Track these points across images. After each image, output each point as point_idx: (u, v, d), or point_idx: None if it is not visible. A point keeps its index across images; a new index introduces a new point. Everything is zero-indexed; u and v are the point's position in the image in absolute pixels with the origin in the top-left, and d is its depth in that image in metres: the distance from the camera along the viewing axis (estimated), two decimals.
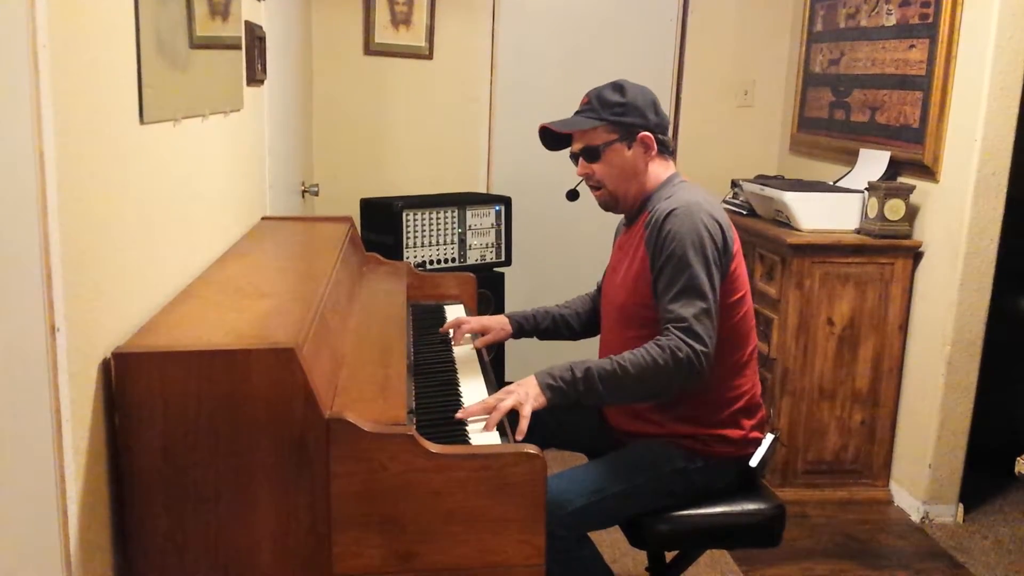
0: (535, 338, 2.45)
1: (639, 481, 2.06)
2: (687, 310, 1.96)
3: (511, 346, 3.71)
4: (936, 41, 3.23)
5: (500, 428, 1.84)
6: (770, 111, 4.50)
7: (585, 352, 2.23)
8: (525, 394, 1.91)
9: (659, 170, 2.18)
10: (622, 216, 2.32)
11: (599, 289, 2.46)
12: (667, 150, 2.20)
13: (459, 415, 1.86)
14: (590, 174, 2.17)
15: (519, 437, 1.82)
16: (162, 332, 1.56)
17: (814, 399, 3.46)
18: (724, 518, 2.13)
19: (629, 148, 2.13)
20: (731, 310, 2.09)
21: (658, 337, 1.98)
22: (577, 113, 2.17)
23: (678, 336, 1.95)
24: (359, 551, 1.55)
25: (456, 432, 1.79)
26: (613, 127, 2.12)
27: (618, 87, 2.14)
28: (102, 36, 1.46)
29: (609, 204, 2.22)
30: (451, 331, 2.40)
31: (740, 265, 2.12)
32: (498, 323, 2.39)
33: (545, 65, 4.30)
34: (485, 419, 1.85)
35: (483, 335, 2.37)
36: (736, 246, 2.11)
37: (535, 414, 2.28)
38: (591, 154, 2.15)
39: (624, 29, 4.34)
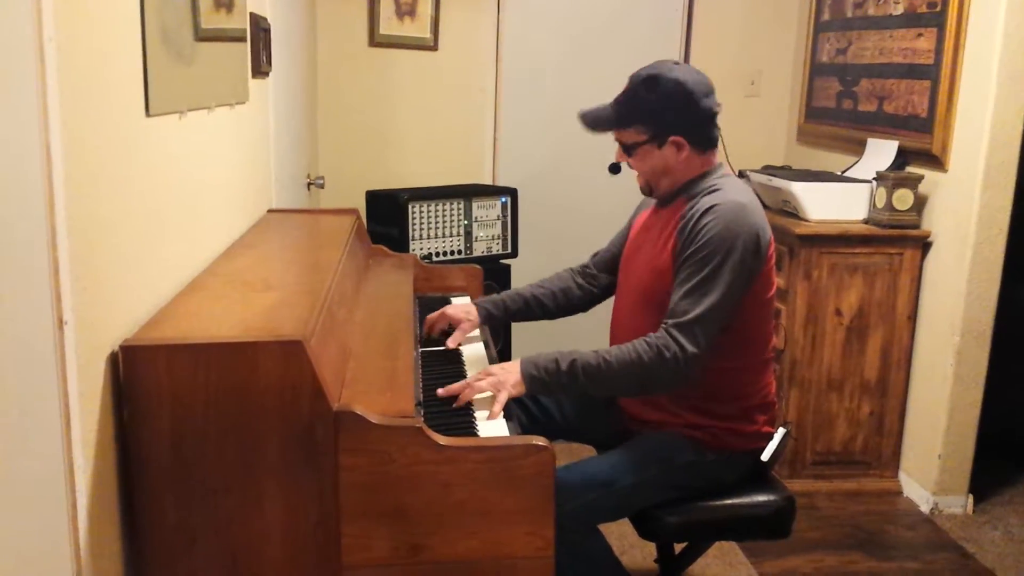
0: (508, 322, 2.39)
1: (650, 474, 2.06)
2: (693, 309, 1.94)
3: (518, 334, 3.72)
4: (944, 30, 3.21)
5: (507, 417, 1.85)
6: (777, 101, 4.48)
7: (596, 330, 2.21)
8: (503, 381, 1.92)
9: (696, 164, 2.10)
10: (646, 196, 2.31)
11: (595, 263, 2.44)
12: (708, 146, 2.10)
13: (440, 392, 1.90)
14: (627, 163, 2.15)
15: (490, 419, 1.84)
16: (169, 325, 1.56)
17: (822, 390, 3.45)
18: (733, 510, 2.12)
19: (660, 148, 2.07)
20: (761, 308, 2.08)
21: (651, 333, 1.97)
22: (615, 100, 2.10)
23: (671, 335, 1.94)
24: (367, 543, 1.55)
25: (464, 424, 1.79)
26: (641, 128, 2.07)
27: (651, 84, 2.04)
28: (108, 29, 1.46)
29: (645, 191, 2.20)
30: (439, 335, 2.33)
31: (773, 267, 2.09)
32: (463, 312, 2.32)
33: (550, 56, 4.29)
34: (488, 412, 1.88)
35: (451, 327, 2.30)
36: (772, 250, 2.06)
37: (544, 405, 2.29)
38: (625, 148, 2.12)
39: (630, 19, 4.32)
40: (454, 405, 1.88)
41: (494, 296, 2.39)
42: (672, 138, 2.06)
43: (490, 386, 1.91)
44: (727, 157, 2.20)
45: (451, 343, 2.26)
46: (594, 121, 2.12)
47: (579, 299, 2.42)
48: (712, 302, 1.93)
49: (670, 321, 1.96)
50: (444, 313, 2.33)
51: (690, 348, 1.92)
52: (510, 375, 1.94)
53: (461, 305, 2.37)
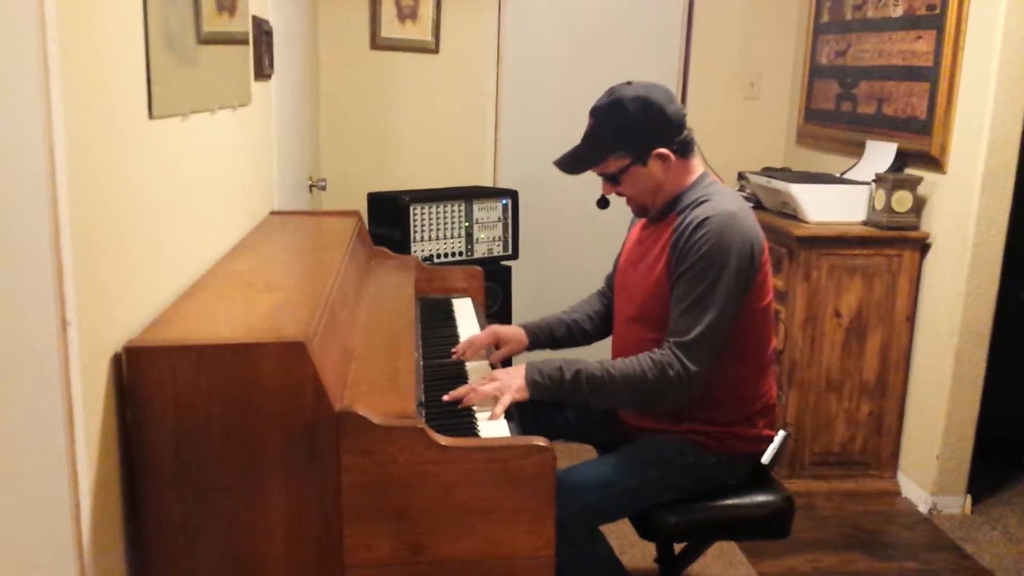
0: (550, 348, 2.38)
1: (651, 476, 2.07)
2: (694, 327, 1.94)
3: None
4: (943, 32, 3.22)
5: (508, 418, 1.86)
6: (777, 103, 4.49)
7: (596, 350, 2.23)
8: (507, 385, 1.94)
9: (683, 174, 2.09)
10: None
11: (608, 284, 2.45)
12: (687, 151, 2.10)
13: (445, 398, 1.90)
14: (617, 193, 2.14)
15: (491, 420, 1.86)
16: (173, 326, 1.57)
17: (821, 391, 3.46)
18: (733, 510, 2.13)
19: (645, 166, 2.06)
20: (759, 315, 2.08)
21: (655, 349, 1.98)
22: (584, 138, 2.10)
23: (674, 353, 1.95)
24: (369, 543, 1.56)
25: (465, 424, 1.80)
26: (621, 153, 2.06)
27: (618, 106, 2.03)
28: (111, 31, 1.47)
29: (640, 213, 2.19)
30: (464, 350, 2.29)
31: (768, 273, 2.09)
32: (513, 334, 2.31)
33: (551, 58, 4.30)
34: (489, 413, 1.89)
35: (497, 346, 2.30)
36: (765, 255, 2.06)
37: (545, 406, 2.30)
38: (610, 179, 2.11)
39: (630, 22, 4.33)
40: (459, 407, 1.89)
41: (538, 321, 2.38)
42: (655, 151, 2.05)
43: (494, 390, 1.92)
44: (708, 165, 2.18)
45: (494, 359, 2.24)
46: (572, 163, 2.10)
47: (609, 320, 2.40)
48: (712, 318, 1.94)
49: (672, 340, 1.96)
50: (495, 333, 2.29)
51: (693, 367, 1.93)
52: (514, 380, 1.95)
53: (510, 328, 2.34)
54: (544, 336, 2.36)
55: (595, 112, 2.08)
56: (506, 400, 1.91)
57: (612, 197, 2.18)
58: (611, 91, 2.07)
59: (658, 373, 1.94)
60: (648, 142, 2.05)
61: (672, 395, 1.97)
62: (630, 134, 2.04)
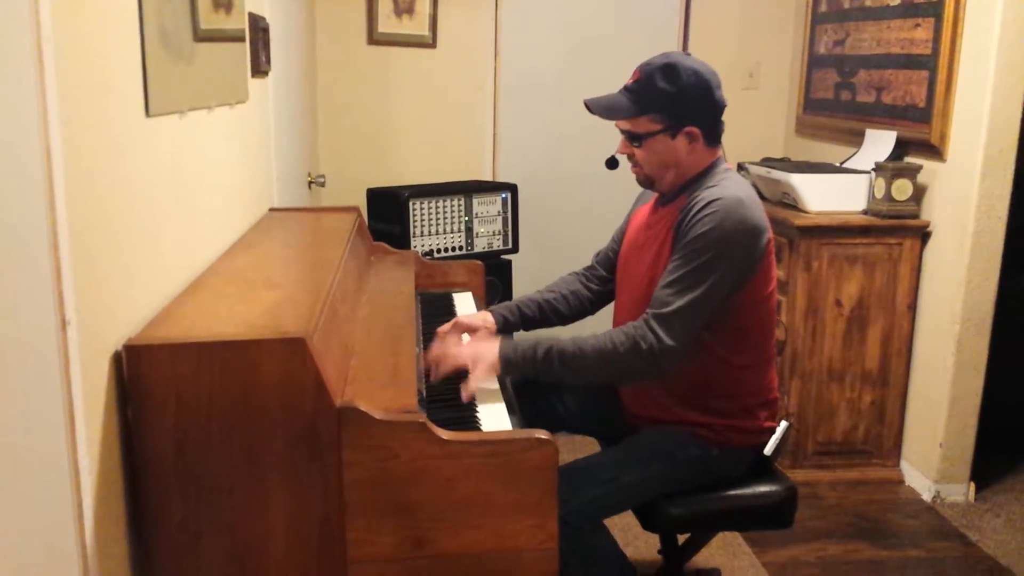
0: (523, 330, 2.34)
1: (654, 469, 2.06)
2: (676, 300, 1.92)
3: None
4: (942, 19, 3.21)
5: (510, 410, 1.86)
6: (775, 93, 4.48)
7: (599, 328, 2.21)
8: (482, 355, 1.95)
9: (702, 159, 2.07)
10: (643, 191, 2.29)
11: (599, 262, 2.42)
12: (715, 139, 2.08)
13: (431, 377, 1.96)
14: (631, 155, 2.10)
15: (464, 398, 1.88)
16: (173, 324, 1.57)
17: (823, 380, 3.46)
18: (736, 501, 2.13)
19: (673, 138, 2.04)
20: (762, 305, 2.07)
21: (629, 323, 1.96)
22: (625, 89, 2.06)
23: (649, 325, 1.92)
24: (372, 538, 1.55)
25: (467, 418, 1.80)
26: (658, 117, 2.03)
27: (671, 73, 1.99)
28: (106, 29, 1.46)
29: (644, 184, 2.16)
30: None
31: (772, 262, 2.07)
32: (479, 320, 2.24)
33: (549, 51, 4.29)
34: (491, 406, 1.89)
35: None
36: (770, 245, 2.03)
37: (547, 398, 2.29)
38: (633, 138, 2.07)
39: (628, 13, 4.32)
40: (431, 377, 1.94)
41: (508, 303, 2.34)
42: (687, 128, 2.03)
43: (468, 357, 1.94)
44: (723, 152, 2.17)
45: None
46: (607, 109, 2.05)
47: (589, 301, 2.38)
48: (695, 296, 1.91)
49: (650, 311, 1.94)
50: (458, 323, 2.22)
51: (667, 340, 1.90)
52: (487, 354, 1.95)
53: (476, 313, 2.30)
54: (514, 318, 2.31)
55: (645, 68, 2.04)
56: (479, 375, 1.91)
57: (621, 160, 2.15)
58: (669, 55, 2.04)
59: (630, 346, 1.92)
60: (686, 116, 2.03)
61: (643, 368, 1.94)
62: (674, 102, 2.01)
